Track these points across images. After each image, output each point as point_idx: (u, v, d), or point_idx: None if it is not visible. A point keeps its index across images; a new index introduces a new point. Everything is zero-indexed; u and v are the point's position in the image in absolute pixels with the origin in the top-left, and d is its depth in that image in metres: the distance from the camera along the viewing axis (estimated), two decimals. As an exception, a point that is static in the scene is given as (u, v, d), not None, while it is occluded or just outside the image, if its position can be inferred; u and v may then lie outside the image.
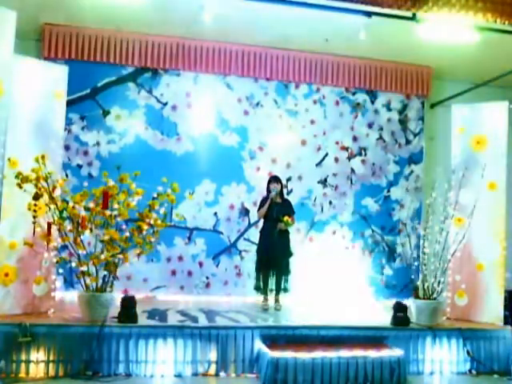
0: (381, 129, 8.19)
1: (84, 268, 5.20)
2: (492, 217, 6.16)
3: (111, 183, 5.30)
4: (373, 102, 8.18)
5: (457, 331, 5.63)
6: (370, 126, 8.16)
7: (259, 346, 5.13)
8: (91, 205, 5.29)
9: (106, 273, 5.25)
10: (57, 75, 5.91)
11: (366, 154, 8.12)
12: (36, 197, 5.19)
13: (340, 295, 7.80)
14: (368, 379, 4.98)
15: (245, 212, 7.66)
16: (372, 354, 5.05)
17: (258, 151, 7.77)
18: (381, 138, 8.19)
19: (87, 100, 7.27)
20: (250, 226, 7.64)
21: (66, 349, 4.88)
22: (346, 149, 8.06)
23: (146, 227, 5.41)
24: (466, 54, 7.01)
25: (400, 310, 5.73)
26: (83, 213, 5.24)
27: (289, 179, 7.79)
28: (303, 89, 7.96)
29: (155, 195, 5.52)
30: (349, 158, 8.06)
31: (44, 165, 5.20)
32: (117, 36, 7.22)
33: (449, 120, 6.71)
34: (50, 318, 5.27)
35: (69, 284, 6.59)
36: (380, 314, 6.27)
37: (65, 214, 5.23)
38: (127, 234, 5.36)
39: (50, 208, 5.24)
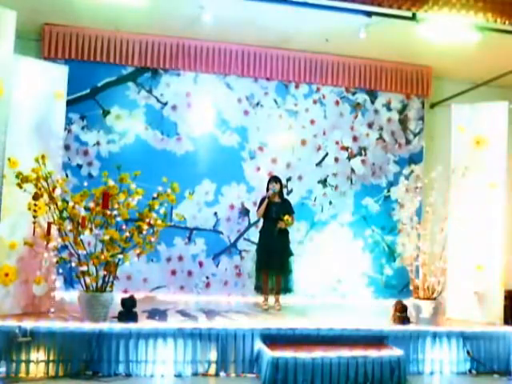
0: (381, 129, 8.19)
1: (84, 268, 5.19)
2: (492, 217, 6.16)
3: (111, 183, 5.30)
4: (373, 102, 8.18)
5: (457, 331, 5.63)
6: (370, 126, 8.16)
7: (259, 345, 5.14)
8: (91, 205, 5.29)
9: (105, 273, 5.25)
10: (57, 75, 5.91)
11: (365, 154, 8.11)
12: (36, 197, 5.19)
13: (340, 295, 7.82)
14: (368, 379, 4.98)
15: (245, 212, 7.65)
16: (372, 353, 5.06)
17: (258, 151, 7.77)
18: (381, 137, 8.19)
19: (87, 100, 7.27)
20: (249, 225, 7.63)
21: (65, 349, 4.88)
22: (346, 149, 8.05)
23: (145, 227, 5.41)
24: (465, 54, 7.00)
25: (400, 309, 5.74)
26: (83, 213, 5.24)
27: (289, 179, 7.79)
28: (303, 89, 7.95)
29: (155, 195, 5.53)
30: (349, 158, 8.06)
31: (44, 165, 5.20)
32: (117, 36, 7.21)
33: (449, 120, 6.71)
34: (49, 318, 5.26)
35: (69, 284, 6.58)
36: (380, 314, 6.27)
37: (65, 214, 5.23)
38: (127, 234, 5.36)
39: (49, 208, 5.24)
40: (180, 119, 7.55)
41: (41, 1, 6.28)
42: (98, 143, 7.29)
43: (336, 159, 8.01)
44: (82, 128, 7.25)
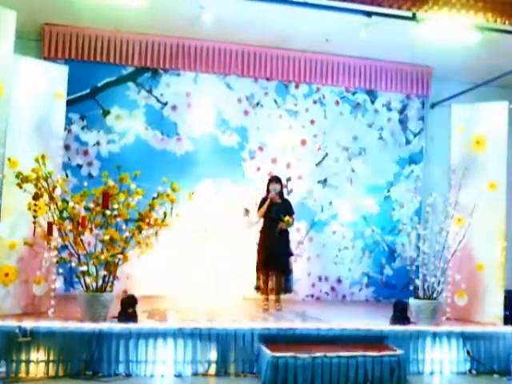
0: (381, 129, 8.19)
1: (84, 268, 5.19)
2: (492, 217, 6.15)
3: (111, 183, 5.30)
4: (373, 102, 8.18)
5: (457, 331, 5.62)
6: (370, 126, 8.16)
7: (259, 346, 5.13)
8: (91, 205, 5.29)
9: (105, 273, 5.25)
10: (57, 75, 5.91)
11: (365, 154, 8.11)
12: (36, 197, 5.19)
13: (340, 295, 7.82)
14: (368, 379, 4.97)
15: (245, 212, 7.65)
16: (372, 353, 5.05)
17: (258, 151, 7.77)
18: (381, 137, 8.19)
19: (87, 100, 7.28)
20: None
21: (65, 349, 4.88)
22: (346, 149, 8.06)
23: (145, 227, 5.40)
24: (466, 54, 7.00)
25: (400, 309, 5.73)
26: (83, 213, 5.24)
27: (289, 179, 7.79)
28: (303, 89, 7.96)
29: (155, 195, 5.52)
30: (349, 158, 8.06)
31: (44, 165, 5.20)
32: (117, 36, 7.22)
33: (449, 120, 6.70)
34: (49, 318, 5.26)
35: (69, 284, 6.59)
36: (380, 314, 6.27)
37: (65, 214, 5.22)
38: (127, 234, 5.35)
39: (50, 208, 5.24)
40: (180, 119, 7.55)
41: (41, 1, 6.29)
42: (98, 143, 7.29)
43: (336, 159, 8.01)
44: (82, 128, 7.26)
